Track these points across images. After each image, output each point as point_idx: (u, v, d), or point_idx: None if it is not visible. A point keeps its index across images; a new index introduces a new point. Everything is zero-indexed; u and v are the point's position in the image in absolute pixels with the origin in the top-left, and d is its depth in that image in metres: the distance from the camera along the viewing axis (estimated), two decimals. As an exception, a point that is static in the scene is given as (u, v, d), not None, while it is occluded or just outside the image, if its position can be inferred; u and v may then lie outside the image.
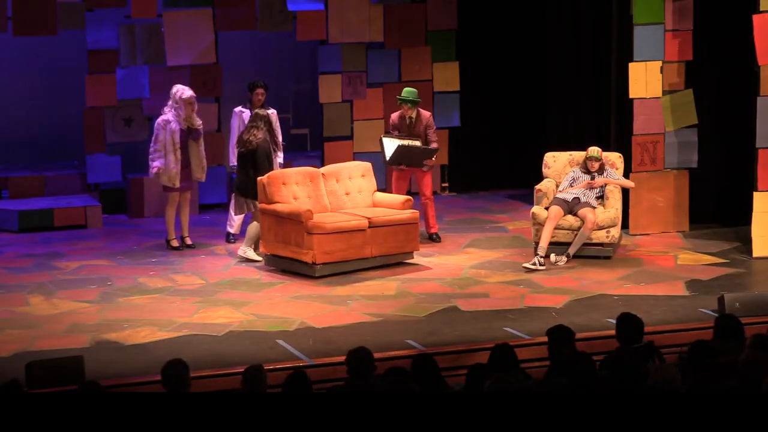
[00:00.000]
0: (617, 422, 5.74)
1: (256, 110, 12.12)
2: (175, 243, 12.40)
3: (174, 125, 12.11)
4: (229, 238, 12.64)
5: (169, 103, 12.24)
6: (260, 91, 12.50)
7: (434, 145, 12.49)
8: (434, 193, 13.18)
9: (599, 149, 11.89)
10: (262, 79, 12.73)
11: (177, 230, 12.44)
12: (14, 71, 14.92)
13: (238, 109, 12.66)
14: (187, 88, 12.31)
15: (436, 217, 12.69)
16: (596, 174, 11.84)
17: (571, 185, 11.87)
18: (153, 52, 14.05)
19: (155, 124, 12.30)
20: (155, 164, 12.16)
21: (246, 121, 12.38)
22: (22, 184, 14.22)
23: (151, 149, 12.23)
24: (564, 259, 11.48)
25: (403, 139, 12.43)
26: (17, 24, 13.56)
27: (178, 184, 12.22)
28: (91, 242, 12.92)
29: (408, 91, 12.50)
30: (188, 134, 12.22)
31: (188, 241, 12.48)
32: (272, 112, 12.50)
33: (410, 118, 12.49)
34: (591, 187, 11.79)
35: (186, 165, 12.27)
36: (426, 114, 12.62)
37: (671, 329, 9.37)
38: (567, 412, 5.78)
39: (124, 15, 13.97)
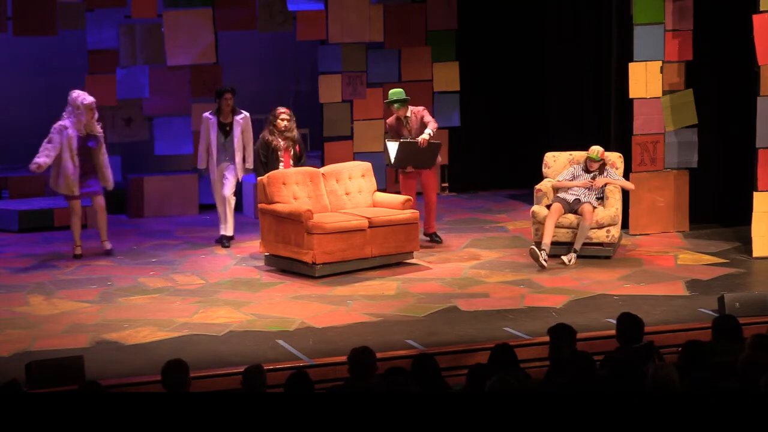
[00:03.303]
0: (617, 422, 5.74)
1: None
2: (77, 251, 12.10)
3: (71, 131, 11.81)
4: (224, 240, 12.61)
5: (68, 108, 11.93)
6: (228, 96, 12.48)
7: (433, 125, 12.34)
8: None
9: (599, 150, 11.84)
10: (231, 84, 12.78)
11: (84, 239, 12.18)
12: (14, 71, 14.91)
13: (205, 114, 12.63)
14: (86, 93, 12.00)
15: (435, 219, 12.67)
16: (596, 174, 11.84)
17: (571, 180, 11.85)
18: (153, 52, 14.05)
19: (51, 129, 11.88)
20: (38, 160, 11.69)
21: (211, 128, 12.40)
22: (22, 184, 14.22)
23: (41, 147, 11.80)
24: (574, 256, 11.46)
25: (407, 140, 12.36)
26: (17, 24, 13.56)
27: (77, 192, 11.91)
28: (91, 242, 12.91)
29: (394, 92, 12.42)
30: (86, 141, 11.90)
31: (107, 246, 12.20)
32: (244, 117, 12.47)
33: (405, 117, 12.44)
34: (591, 188, 11.78)
35: (88, 171, 11.95)
36: (417, 109, 12.49)
37: (671, 329, 9.37)
38: (567, 412, 5.78)
39: (124, 15, 13.98)
